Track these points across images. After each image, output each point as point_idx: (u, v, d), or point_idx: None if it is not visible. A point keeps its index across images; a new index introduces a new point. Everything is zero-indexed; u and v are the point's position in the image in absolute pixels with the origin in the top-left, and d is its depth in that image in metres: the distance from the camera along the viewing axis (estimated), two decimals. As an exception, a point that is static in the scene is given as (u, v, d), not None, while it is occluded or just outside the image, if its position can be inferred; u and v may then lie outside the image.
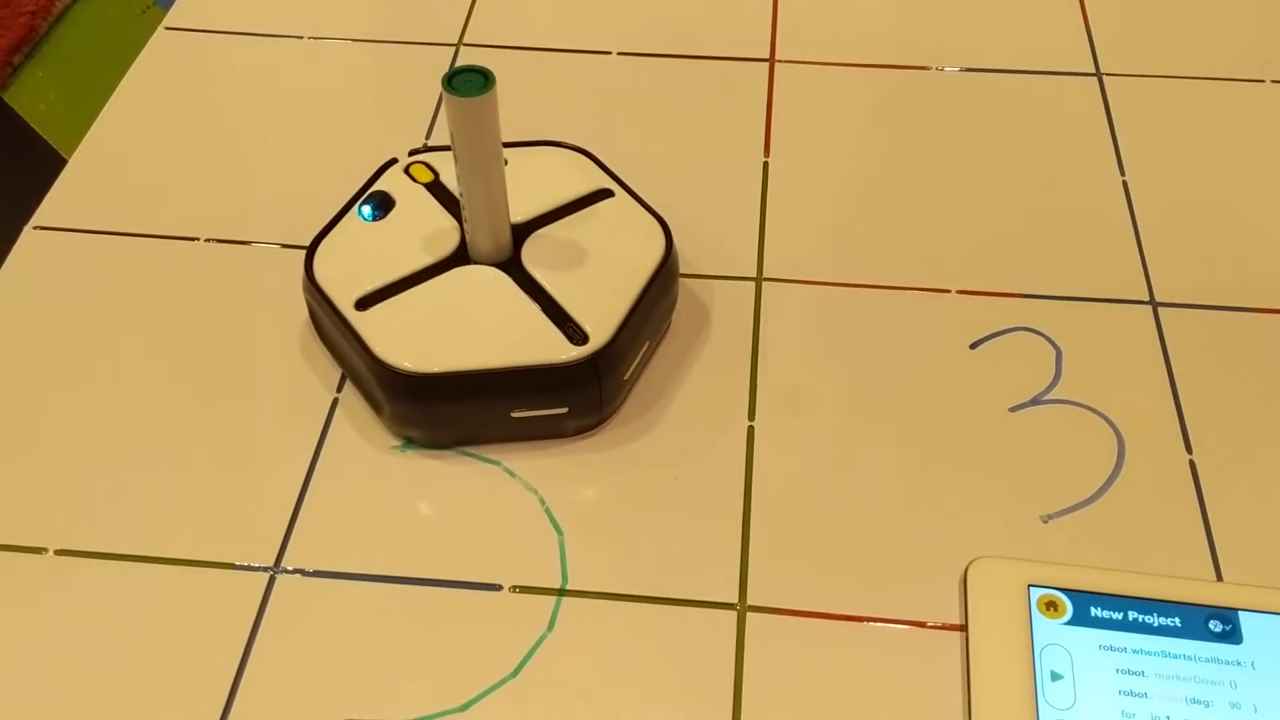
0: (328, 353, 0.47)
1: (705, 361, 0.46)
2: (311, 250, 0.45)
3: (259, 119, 0.56)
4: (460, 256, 0.45)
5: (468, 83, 0.40)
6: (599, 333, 0.43)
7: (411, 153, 0.49)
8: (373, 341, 0.42)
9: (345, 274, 0.44)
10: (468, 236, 0.45)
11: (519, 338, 0.43)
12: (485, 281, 0.45)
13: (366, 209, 0.46)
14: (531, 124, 0.53)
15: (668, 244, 0.46)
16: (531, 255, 0.45)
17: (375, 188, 0.47)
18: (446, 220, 0.46)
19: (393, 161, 0.48)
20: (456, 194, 0.44)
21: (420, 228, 0.46)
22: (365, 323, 0.43)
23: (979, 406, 0.45)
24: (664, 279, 0.45)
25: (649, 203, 0.47)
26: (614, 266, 0.45)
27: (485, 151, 0.42)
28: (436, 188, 0.47)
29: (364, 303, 0.44)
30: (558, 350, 0.42)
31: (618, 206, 0.47)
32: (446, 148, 0.47)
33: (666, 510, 0.42)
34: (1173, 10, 0.61)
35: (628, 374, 0.44)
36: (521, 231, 0.46)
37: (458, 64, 0.59)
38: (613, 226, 0.47)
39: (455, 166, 0.43)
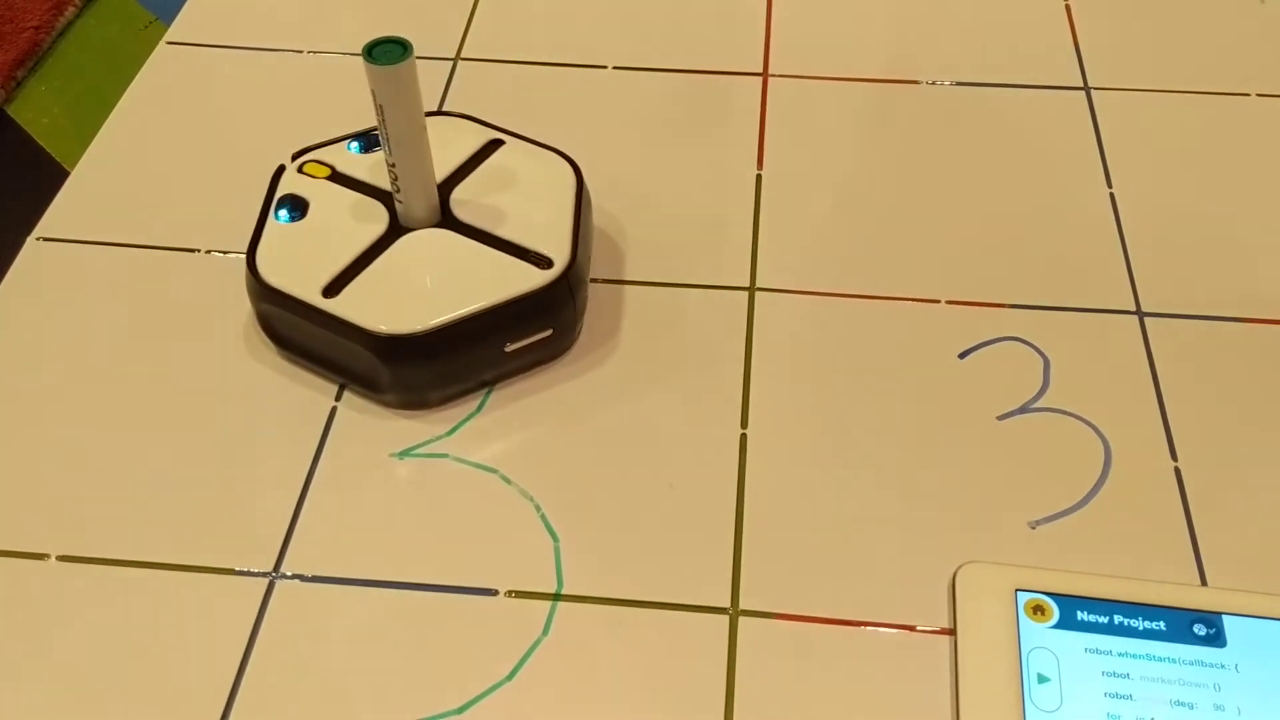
0: (291, 354, 0.47)
1: (699, 370, 0.47)
2: (251, 261, 0.46)
3: (259, 132, 0.57)
4: (396, 228, 0.47)
5: (387, 53, 0.42)
6: (559, 255, 0.46)
7: (295, 155, 0.50)
8: (360, 320, 0.44)
9: (295, 273, 0.45)
10: (402, 205, 0.47)
11: (493, 277, 0.45)
12: (434, 241, 0.47)
13: (283, 213, 0.47)
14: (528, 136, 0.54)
15: (574, 167, 0.50)
16: (461, 210, 0.48)
17: (281, 193, 0.48)
18: (368, 201, 0.48)
19: (282, 168, 0.49)
20: (387, 164, 0.45)
21: (346, 214, 0.47)
22: (342, 306, 0.44)
23: (968, 415, 0.46)
24: (586, 197, 0.49)
25: (541, 141, 0.51)
26: (539, 198, 0.48)
27: (412, 118, 0.44)
28: (339, 178, 0.49)
29: (330, 290, 0.45)
30: (533, 278, 0.45)
31: (514, 151, 0.50)
32: (330, 143, 0.50)
33: (660, 516, 0.43)
34: (1159, 26, 0.62)
35: (587, 289, 0.48)
36: (440, 194, 0.48)
37: (454, 79, 0.59)
38: (519, 168, 0.50)
39: (383, 138, 0.44)
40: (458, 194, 0.48)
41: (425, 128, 0.45)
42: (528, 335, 0.45)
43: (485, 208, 0.48)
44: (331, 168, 0.49)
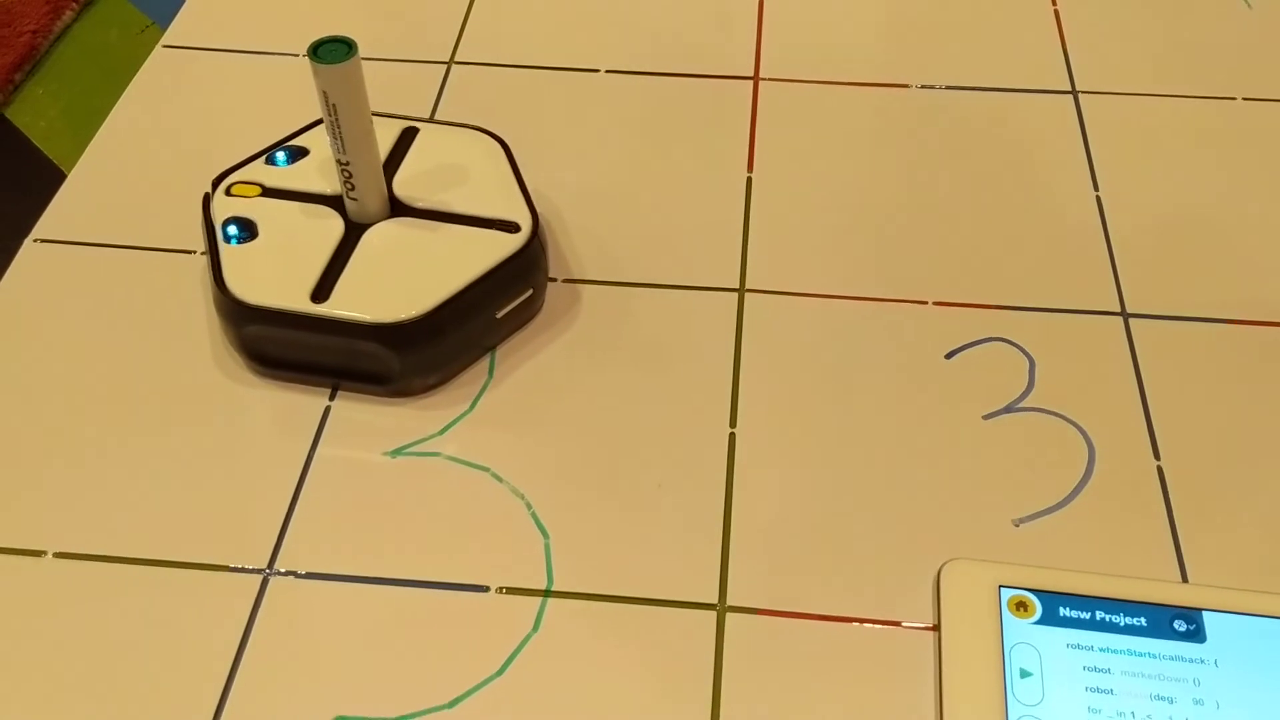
0: (279, 372, 0.47)
1: (688, 370, 0.48)
2: (224, 288, 0.45)
3: (254, 135, 0.57)
4: (354, 226, 0.48)
5: (333, 52, 0.43)
6: (522, 218, 0.48)
7: (215, 182, 0.50)
8: (362, 315, 0.45)
9: (274, 288, 0.46)
10: (356, 203, 0.47)
11: (472, 251, 0.47)
12: (398, 231, 0.48)
13: (233, 237, 0.47)
14: (522, 139, 0.54)
15: (495, 138, 0.52)
16: (408, 198, 0.49)
17: (223, 217, 0.48)
18: (313, 208, 0.48)
19: (208, 196, 0.49)
20: (339, 164, 0.46)
21: (298, 223, 0.48)
22: (338, 306, 0.45)
23: (954, 414, 0.46)
24: (515, 162, 0.51)
25: (459, 122, 0.53)
26: (477, 172, 0.50)
27: (363, 115, 0.45)
28: (272, 193, 0.49)
29: (318, 295, 0.45)
30: (509, 244, 0.47)
31: (433, 135, 0.52)
32: (244, 163, 0.50)
33: (650, 514, 0.43)
34: (1147, 30, 0.63)
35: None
36: None
37: (448, 82, 0.60)
38: (445, 149, 0.51)
39: (335, 138, 0.45)
40: (398, 184, 0.49)
41: (372, 124, 0.46)
42: (514, 299, 0.47)
43: (430, 191, 0.49)
44: (260, 185, 0.49)
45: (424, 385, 0.47)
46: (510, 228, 0.48)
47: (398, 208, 0.49)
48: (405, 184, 0.49)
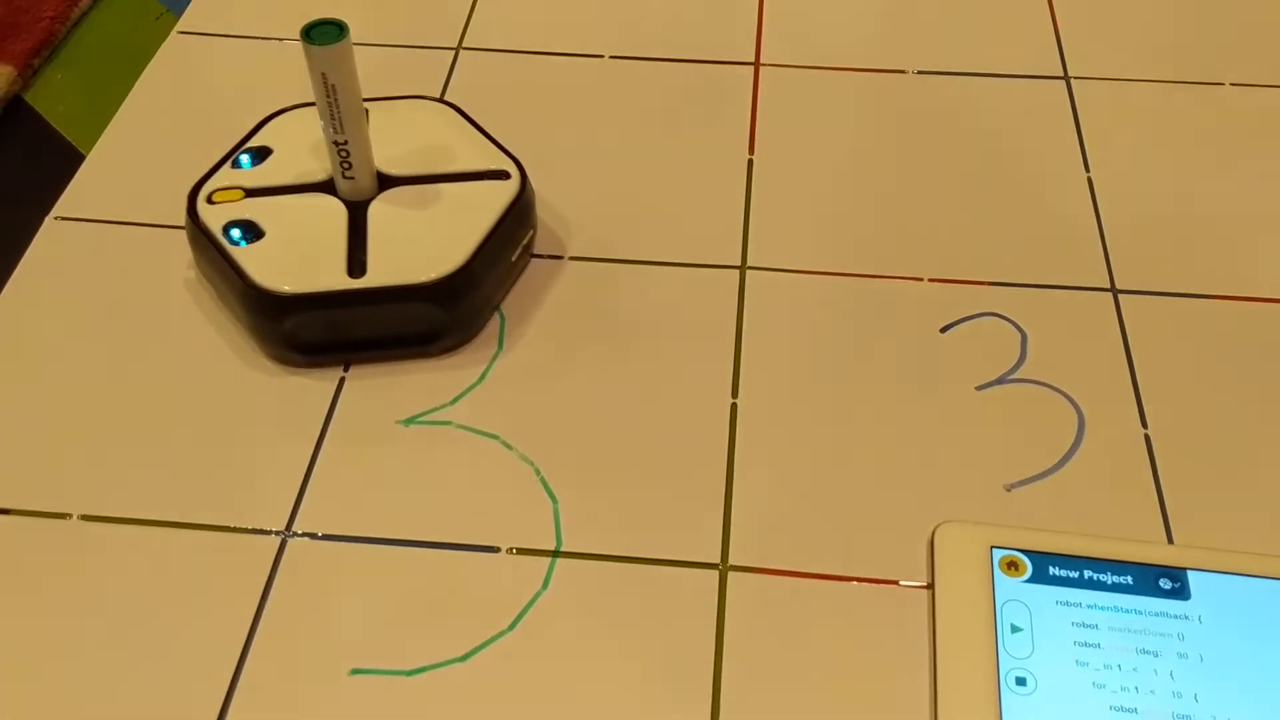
0: (324, 358, 0.48)
1: (692, 343, 0.49)
2: (257, 288, 0.46)
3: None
4: (355, 205, 0.49)
5: (324, 34, 0.45)
6: (508, 165, 0.51)
7: (192, 195, 0.49)
8: (406, 279, 0.46)
9: (306, 276, 0.46)
10: (352, 181, 0.49)
11: (477, 203, 0.49)
12: (399, 200, 0.49)
13: (241, 240, 0.47)
14: (527, 123, 0.56)
15: (443, 101, 0.54)
16: (391, 171, 0.50)
17: (220, 224, 0.48)
18: (307, 196, 0.49)
19: (193, 208, 0.49)
20: (334, 145, 0.47)
21: (299, 213, 0.49)
22: (379, 277, 0.46)
23: (948, 385, 0.48)
24: (471, 119, 0.53)
25: (401, 95, 0.55)
26: (443, 133, 0.52)
27: (357, 93, 0.46)
28: (257, 193, 0.49)
29: (353, 271, 0.46)
30: (507, 190, 0.49)
31: (384, 111, 0.53)
32: (212, 172, 0.50)
33: (654, 478, 0.45)
34: (1137, 18, 0.64)
35: None
36: None
37: (456, 68, 0.62)
38: (401, 120, 0.53)
39: (332, 119, 0.46)
40: (375, 160, 0.50)
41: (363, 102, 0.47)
42: (520, 240, 0.50)
43: (409, 160, 0.51)
44: (240, 188, 0.49)
45: (463, 339, 0.49)
46: (500, 175, 0.50)
47: (385, 181, 0.50)
48: (381, 159, 0.50)
